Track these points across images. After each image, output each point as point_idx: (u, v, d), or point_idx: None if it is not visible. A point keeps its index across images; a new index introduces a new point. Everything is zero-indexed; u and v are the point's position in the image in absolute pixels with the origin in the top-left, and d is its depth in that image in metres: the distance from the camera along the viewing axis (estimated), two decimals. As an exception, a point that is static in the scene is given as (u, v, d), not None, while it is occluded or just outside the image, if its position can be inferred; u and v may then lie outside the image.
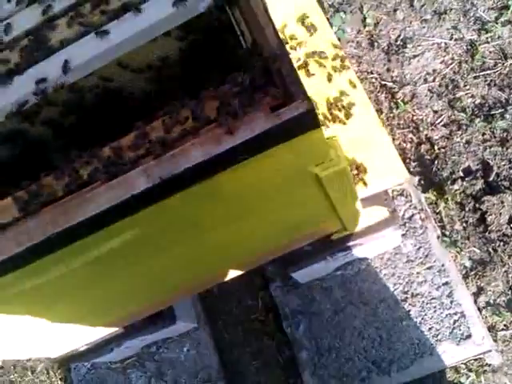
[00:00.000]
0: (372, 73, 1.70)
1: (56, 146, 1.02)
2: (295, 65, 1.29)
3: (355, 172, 1.23)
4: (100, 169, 0.80)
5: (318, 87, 1.29)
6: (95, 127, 0.99)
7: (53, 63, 0.92)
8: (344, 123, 1.25)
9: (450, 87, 1.62)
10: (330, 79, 1.29)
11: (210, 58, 1.06)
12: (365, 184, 1.18)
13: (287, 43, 1.33)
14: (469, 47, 1.64)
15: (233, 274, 1.27)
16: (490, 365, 1.47)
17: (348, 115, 1.27)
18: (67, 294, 1.06)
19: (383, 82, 1.68)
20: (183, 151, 0.75)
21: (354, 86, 1.29)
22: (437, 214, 1.54)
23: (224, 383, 1.58)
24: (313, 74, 1.30)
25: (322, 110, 1.27)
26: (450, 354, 1.43)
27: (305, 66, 1.30)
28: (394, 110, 1.65)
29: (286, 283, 1.58)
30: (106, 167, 0.79)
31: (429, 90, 1.64)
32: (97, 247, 0.89)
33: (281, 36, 1.32)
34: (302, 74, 1.29)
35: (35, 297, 1.00)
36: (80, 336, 1.35)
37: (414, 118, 1.61)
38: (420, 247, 1.49)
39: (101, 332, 1.36)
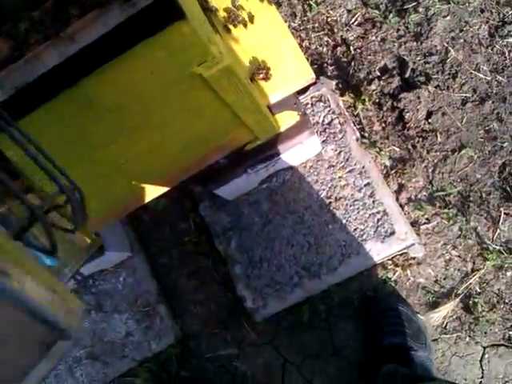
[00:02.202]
0: (283, -24, 1.62)
1: None
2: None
3: (261, 76, 1.19)
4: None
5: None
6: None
7: None
8: (246, 26, 1.20)
9: (361, -17, 1.57)
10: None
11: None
12: (268, 80, 1.15)
13: None
14: None
15: (151, 194, 1.24)
16: (414, 258, 1.53)
17: (250, 18, 1.21)
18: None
19: (294, -16, 1.60)
20: (36, 55, 0.69)
21: (254, -14, 1.22)
22: (355, 116, 1.54)
23: (164, 305, 1.60)
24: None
25: (222, 14, 1.20)
26: (376, 251, 1.48)
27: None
28: (308, 13, 1.58)
29: (215, 202, 1.58)
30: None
31: (341, -13, 1.58)
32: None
33: None
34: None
35: None
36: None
37: (329, 19, 1.56)
38: (340, 151, 1.50)
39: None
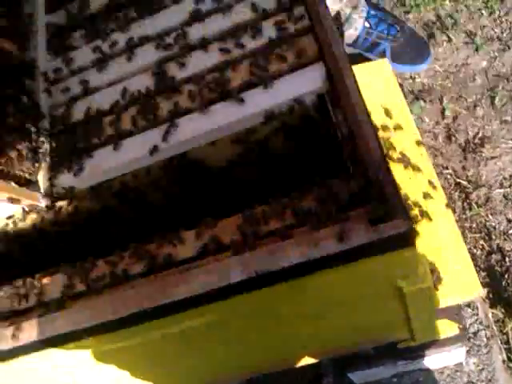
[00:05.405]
0: (447, 168, 1.69)
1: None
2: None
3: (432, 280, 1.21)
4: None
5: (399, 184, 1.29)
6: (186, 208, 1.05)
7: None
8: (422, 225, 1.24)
9: (526, 197, 1.60)
10: (411, 178, 1.29)
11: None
12: (438, 284, 1.15)
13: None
14: (550, 156, 1.62)
15: (294, 364, 1.25)
16: None
17: (428, 219, 1.25)
18: (139, 362, 1.07)
19: (458, 180, 1.67)
20: (281, 249, 0.78)
21: (434, 188, 1.28)
22: (503, 334, 1.48)
23: None
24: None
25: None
26: None
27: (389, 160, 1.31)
28: (467, 212, 1.62)
29: (339, 381, 1.54)
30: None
31: (504, 195, 1.62)
32: (177, 325, 0.92)
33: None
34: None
35: (122, 359, 1.02)
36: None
37: (487, 223, 1.58)
38: (483, 368, 1.42)
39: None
